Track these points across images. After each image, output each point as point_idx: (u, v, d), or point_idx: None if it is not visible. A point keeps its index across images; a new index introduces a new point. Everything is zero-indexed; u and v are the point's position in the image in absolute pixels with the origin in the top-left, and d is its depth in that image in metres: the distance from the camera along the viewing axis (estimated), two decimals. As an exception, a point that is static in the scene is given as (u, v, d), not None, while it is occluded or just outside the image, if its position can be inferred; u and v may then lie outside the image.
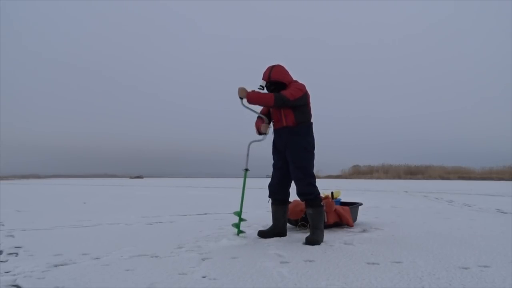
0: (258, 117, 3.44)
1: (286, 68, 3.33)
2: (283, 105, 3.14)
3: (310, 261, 2.49)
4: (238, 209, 3.51)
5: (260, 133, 3.39)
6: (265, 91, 3.26)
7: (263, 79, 3.24)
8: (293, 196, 3.50)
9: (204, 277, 2.13)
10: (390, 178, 39.61)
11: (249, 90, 3.15)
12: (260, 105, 3.23)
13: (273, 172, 3.44)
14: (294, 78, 3.33)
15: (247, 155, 3.49)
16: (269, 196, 3.45)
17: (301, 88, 3.20)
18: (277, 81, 3.22)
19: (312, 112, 3.33)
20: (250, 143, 3.47)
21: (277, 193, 3.40)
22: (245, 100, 3.20)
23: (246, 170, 3.48)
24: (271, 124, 3.39)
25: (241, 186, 3.52)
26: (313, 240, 3.07)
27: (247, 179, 3.52)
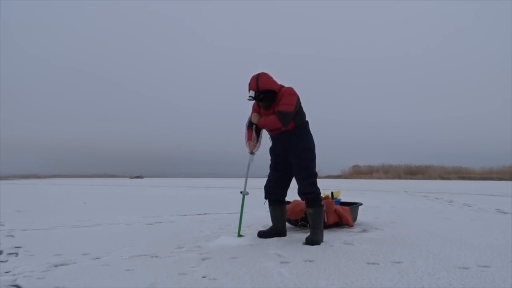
0: (249, 130, 3.37)
1: (270, 74, 3.26)
2: (289, 120, 3.13)
3: (310, 261, 2.49)
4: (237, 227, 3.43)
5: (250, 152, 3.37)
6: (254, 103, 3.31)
7: (251, 89, 3.16)
8: (294, 195, 3.50)
9: (204, 277, 2.13)
10: (390, 178, 39.57)
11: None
12: (269, 129, 3.24)
13: (269, 173, 3.44)
14: (279, 82, 3.29)
15: (246, 178, 3.42)
16: (265, 197, 3.44)
17: (293, 93, 3.18)
18: (266, 90, 3.16)
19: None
20: (248, 165, 3.39)
21: (273, 193, 3.39)
22: (253, 127, 3.33)
23: (245, 193, 3.37)
24: (260, 140, 3.38)
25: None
26: (313, 240, 3.07)
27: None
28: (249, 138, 3.37)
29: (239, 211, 3.46)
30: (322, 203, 3.26)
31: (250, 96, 3.18)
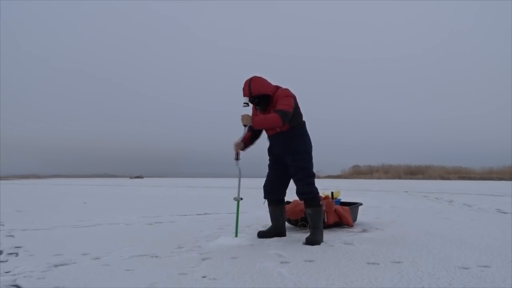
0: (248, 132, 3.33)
1: (263, 77, 3.22)
2: (288, 119, 3.10)
3: (310, 261, 2.49)
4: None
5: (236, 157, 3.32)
6: (250, 106, 3.25)
7: (244, 95, 3.13)
8: (294, 196, 3.49)
9: (204, 277, 2.13)
10: (390, 178, 39.58)
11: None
12: (269, 127, 3.16)
13: (268, 172, 3.44)
14: (274, 84, 3.25)
15: (239, 184, 3.36)
16: (264, 197, 3.43)
17: (289, 94, 3.16)
18: (259, 95, 3.13)
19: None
20: (239, 171, 3.34)
21: (271, 193, 3.38)
22: (247, 128, 3.23)
23: (239, 199, 3.31)
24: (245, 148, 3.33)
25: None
26: (313, 240, 3.07)
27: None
28: (244, 139, 3.32)
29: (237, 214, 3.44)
30: (321, 202, 3.26)
31: (244, 103, 3.13)
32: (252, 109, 3.36)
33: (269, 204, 3.44)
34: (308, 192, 3.17)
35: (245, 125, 3.22)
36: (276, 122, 3.08)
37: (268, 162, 3.46)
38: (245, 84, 3.15)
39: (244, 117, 3.17)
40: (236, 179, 3.42)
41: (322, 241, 3.14)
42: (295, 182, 3.22)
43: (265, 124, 3.13)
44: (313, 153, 3.31)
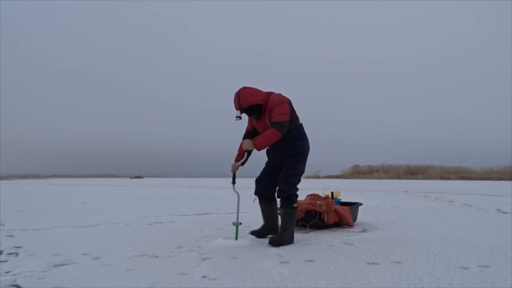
0: (244, 151, 3.28)
1: (253, 86, 3.16)
2: (286, 128, 3.06)
3: (310, 261, 2.49)
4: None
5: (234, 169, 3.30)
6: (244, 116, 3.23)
7: (236, 109, 3.09)
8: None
9: (204, 277, 2.13)
10: (390, 178, 39.58)
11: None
12: (271, 144, 3.10)
13: (263, 167, 3.43)
14: (265, 90, 3.20)
15: (238, 209, 3.31)
16: (255, 193, 3.38)
17: (283, 100, 3.10)
18: (250, 106, 3.07)
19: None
20: (238, 197, 3.31)
21: (261, 188, 3.34)
22: (247, 154, 3.23)
23: (238, 224, 3.27)
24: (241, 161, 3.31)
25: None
26: (277, 240, 3.01)
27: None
28: (237, 157, 3.30)
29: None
30: (295, 205, 3.15)
31: (237, 117, 3.09)
32: (248, 119, 3.36)
33: (260, 203, 3.41)
34: (285, 190, 3.12)
35: (246, 151, 3.21)
36: (276, 137, 3.02)
37: (265, 160, 3.47)
38: (234, 97, 3.09)
39: (245, 143, 3.13)
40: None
41: (289, 243, 3.07)
42: (278, 179, 3.19)
43: (267, 143, 3.06)
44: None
